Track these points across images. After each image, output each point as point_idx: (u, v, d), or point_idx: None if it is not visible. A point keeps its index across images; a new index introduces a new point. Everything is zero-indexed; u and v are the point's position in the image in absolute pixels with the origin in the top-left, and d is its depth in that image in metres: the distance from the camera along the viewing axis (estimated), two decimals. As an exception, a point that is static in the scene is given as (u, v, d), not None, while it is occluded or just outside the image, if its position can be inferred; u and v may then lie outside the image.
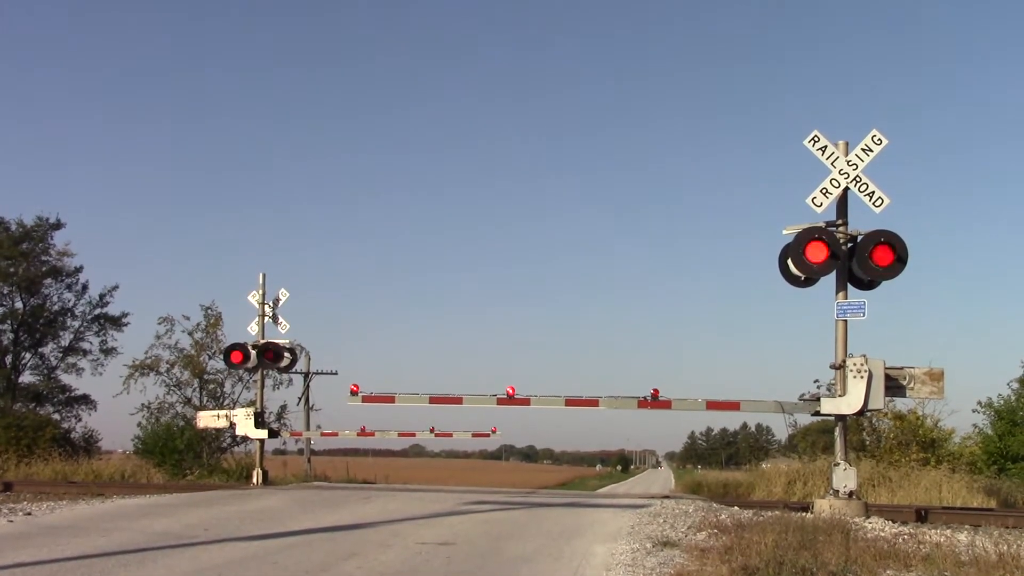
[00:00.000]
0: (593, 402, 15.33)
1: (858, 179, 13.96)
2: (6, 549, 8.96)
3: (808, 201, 14.01)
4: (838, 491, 13.81)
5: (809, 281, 14.59)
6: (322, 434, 26.47)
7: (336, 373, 40.29)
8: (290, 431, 28.42)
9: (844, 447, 14.20)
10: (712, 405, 15.24)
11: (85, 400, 41.17)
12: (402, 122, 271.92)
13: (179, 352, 31.68)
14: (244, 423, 21.22)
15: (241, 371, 28.08)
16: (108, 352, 41.52)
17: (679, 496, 21.59)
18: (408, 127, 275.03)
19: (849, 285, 14.14)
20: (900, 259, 13.69)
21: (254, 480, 21.18)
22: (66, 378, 41.46)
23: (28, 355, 40.96)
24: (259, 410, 21.65)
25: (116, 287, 42.13)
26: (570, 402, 15.42)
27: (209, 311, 32.00)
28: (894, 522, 12.78)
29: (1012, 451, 28.69)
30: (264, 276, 21.85)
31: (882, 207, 13.89)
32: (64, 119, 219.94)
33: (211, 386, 32.02)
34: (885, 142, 14.11)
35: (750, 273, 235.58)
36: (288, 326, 21.81)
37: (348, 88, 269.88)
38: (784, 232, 14.38)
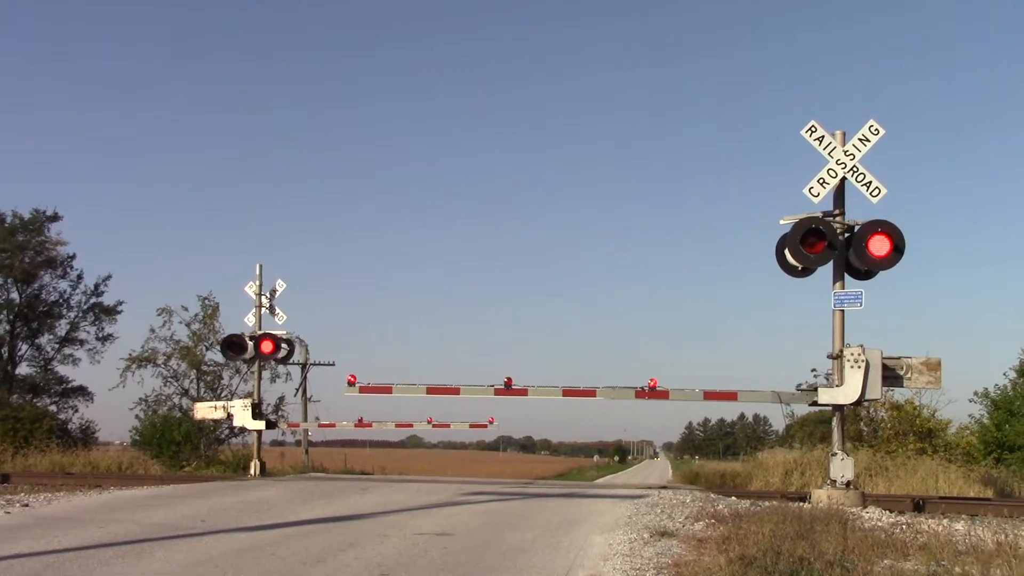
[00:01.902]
0: (590, 392, 15.32)
1: (855, 169, 13.93)
2: (4, 540, 8.95)
3: (805, 191, 13.99)
4: (835, 481, 13.83)
5: (806, 271, 14.58)
6: (320, 425, 26.51)
7: (333, 364, 40.28)
8: (288, 422, 28.49)
9: (841, 437, 14.21)
10: (709, 395, 15.24)
11: (82, 391, 41.13)
12: (399, 117, 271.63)
13: (176, 344, 31.69)
14: (241, 414, 21.22)
15: (238, 362, 28.09)
16: (105, 339, 41.51)
17: (677, 486, 21.62)
18: (405, 122, 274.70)
19: (846, 275, 14.13)
20: (897, 249, 13.67)
21: (251, 471, 21.18)
22: (63, 369, 41.46)
23: (24, 346, 40.91)
24: (256, 401, 21.64)
25: (109, 276, 42.13)
26: (567, 392, 15.40)
27: (207, 301, 32.02)
28: (891, 512, 12.80)
29: (1009, 440, 28.74)
30: (261, 267, 21.85)
31: (879, 197, 13.87)
32: (62, 112, 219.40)
33: (208, 377, 32.03)
34: (882, 132, 14.08)
35: (747, 263, 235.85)
36: (285, 317, 21.81)
37: (347, 82, 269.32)
38: (781, 222, 14.37)
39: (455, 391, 15.90)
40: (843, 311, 14.02)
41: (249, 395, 23.10)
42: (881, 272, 14.21)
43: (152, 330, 31.71)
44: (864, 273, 14.34)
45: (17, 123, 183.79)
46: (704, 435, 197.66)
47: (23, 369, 40.86)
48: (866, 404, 21.91)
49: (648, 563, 7.87)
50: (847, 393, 13.86)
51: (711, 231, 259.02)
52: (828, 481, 13.96)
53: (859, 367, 13.76)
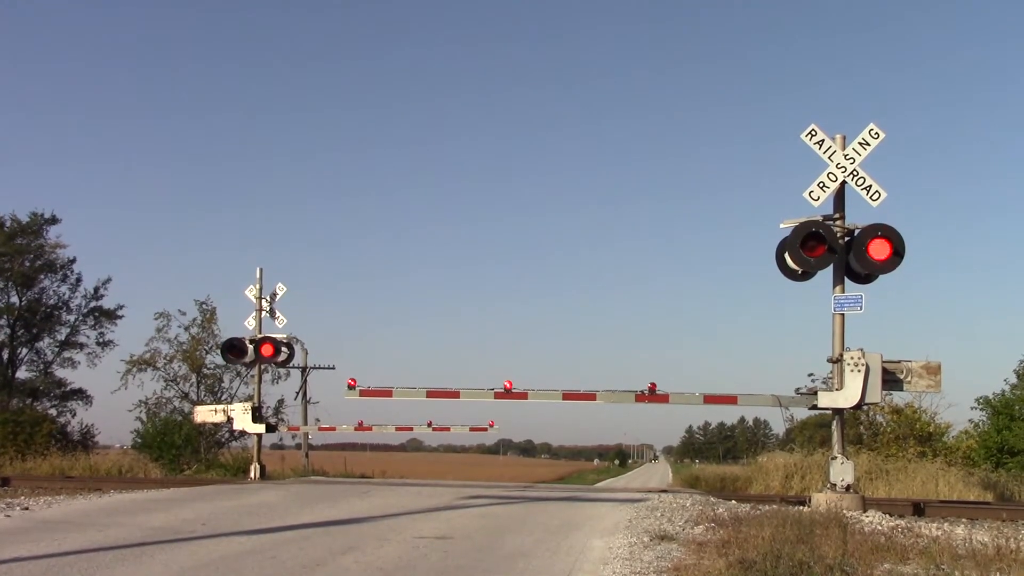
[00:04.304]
0: (590, 396, 15.32)
1: (855, 173, 13.94)
2: (4, 544, 8.95)
3: (805, 195, 13.98)
4: (835, 485, 13.82)
5: (806, 275, 14.58)
6: (320, 428, 26.48)
7: (334, 368, 40.18)
8: (288, 426, 28.51)
9: (841, 441, 14.20)
10: (709, 399, 15.23)
11: (81, 394, 41.14)
12: (399, 119, 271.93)
13: (179, 346, 31.73)
14: (241, 418, 21.21)
15: (239, 366, 28.12)
16: (105, 345, 41.52)
17: (677, 490, 21.62)
18: (404, 124, 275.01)
19: (846, 279, 14.13)
20: (897, 253, 13.68)
21: (251, 475, 21.17)
22: (61, 372, 41.45)
23: (24, 350, 40.87)
24: (256, 405, 21.63)
25: (109, 279, 42.10)
26: (567, 396, 15.40)
27: (204, 306, 32.08)
28: (891, 516, 12.80)
29: (1009, 445, 28.76)
30: (261, 271, 21.83)
31: (879, 201, 13.87)
32: (60, 115, 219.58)
33: (209, 381, 32.08)
34: (882, 136, 14.08)
35: (747, 267, 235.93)
36: (285, 320, 21.80)
37: (347, 84, 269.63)
38: (781, 226, 14.36)
39: (455, 394, 15.90)
40: (843, 315, 14.01)
41: (249, 398, 23.10)
42: (881, 276, 14.22)
43: (158, 330, 31.82)
44: (864, 277, 14.34)
45: (16, 125, 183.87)
46: (704, 439, 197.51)
47: (23, 373, 40.91)
48: (866, 408, 21.91)
49: (648, 567, 7.87)
50: (847, 397, 13.86)
51: (711, 234, 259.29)
52: (828, 485, 13.95)
53: (859, 371, 13.76)
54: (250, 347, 21.05)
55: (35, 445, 28.20)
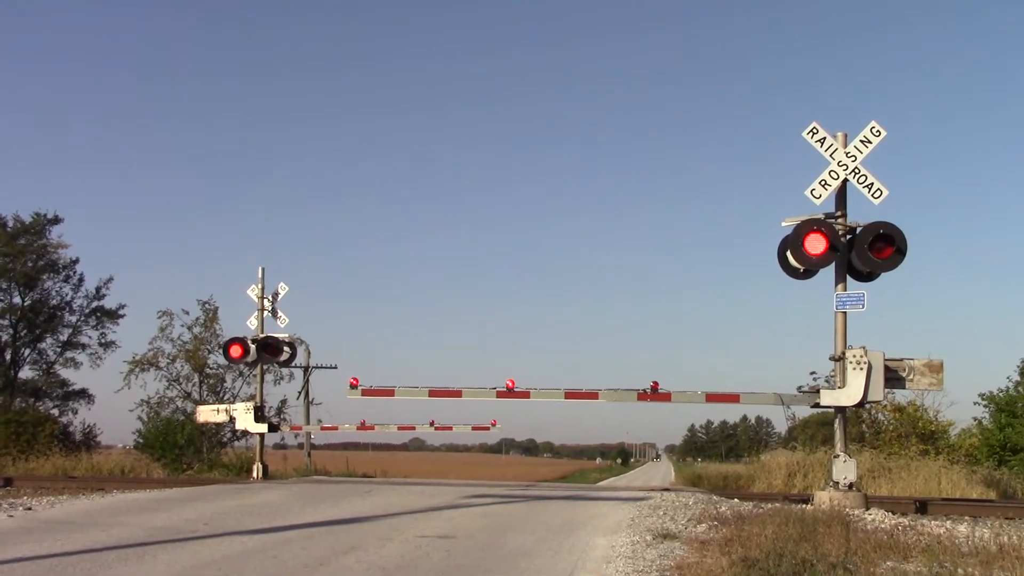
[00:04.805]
0: (593, 395, 15.32)
1: (857, 171, 13.93)
2: (7, 544, 8.96)
3: (807, 193, 13.98)
4: (838, 483, 13.81)
5: (808, 273, 14.57)
6: (322, 428, 26.43)
7: (336, 367, 40.12)
8: (290, 425, 28.47)
9: (844, 439, 14.19)
10: (711, 397, 15.23)
11: (83, 394, 41.17)
12: (399, 119, 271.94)
13: (182, 345, 31.74)
14: (244, 417, 21.20)
15: (241, 365, 28.13)
16: (107, 345, 41.56)
17: (679, 489, 21.61)
18: (404, 124, 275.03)
19: (848, 277, 14.13)
20: (899, 251, 13.67)
21: (254, 474, 21.17)
22: (64, 372, 41.49)
23: (27, 351, 40.91)
24: (259, 404, 21.62)
25: (111, 279, 42.15)
26: (569, 395, 15.40)
27: (207, 305, 32.09)
28: (894, 513, 12.79)
29: (1012, 442, 28.71)
30: (263, 270, 21.80)
31: (881, 199, 13.86)
32: (62, 115, 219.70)
33: (211, 380, 32.08)
34: (884, 134, 14.07)
35: (747, 267, 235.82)
36: (287, 320, 21.76)
37: (347, 84, 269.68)
38: (783, 224, 14.36)
39: (457, 394, 15.90)
40: (845, 313, 14.01)
41: (251, 398, 23.09)
42: (883, 274, 14.21)
43: (161, 329, 31.84)
44: (866, 275, 14.33)
45: (16, 125, 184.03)
46: (706, 437, 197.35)
47: (25, 373, 40.94)
48: (868, 406, 21.88)
49: (651, 565, 7.87)
50: (849, 395, 13.85)
51: (711, 234, 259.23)
52: (831, 483, 13.94)
53: (861, 369, 13.75)
54: (252, 346, 21.02)
55: (38, 445, 28.18)
